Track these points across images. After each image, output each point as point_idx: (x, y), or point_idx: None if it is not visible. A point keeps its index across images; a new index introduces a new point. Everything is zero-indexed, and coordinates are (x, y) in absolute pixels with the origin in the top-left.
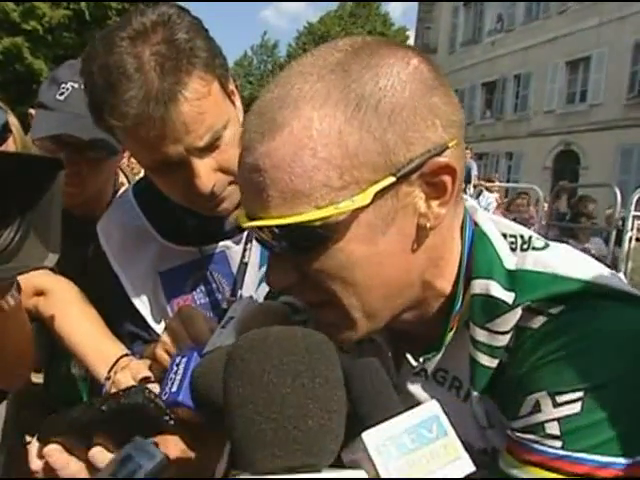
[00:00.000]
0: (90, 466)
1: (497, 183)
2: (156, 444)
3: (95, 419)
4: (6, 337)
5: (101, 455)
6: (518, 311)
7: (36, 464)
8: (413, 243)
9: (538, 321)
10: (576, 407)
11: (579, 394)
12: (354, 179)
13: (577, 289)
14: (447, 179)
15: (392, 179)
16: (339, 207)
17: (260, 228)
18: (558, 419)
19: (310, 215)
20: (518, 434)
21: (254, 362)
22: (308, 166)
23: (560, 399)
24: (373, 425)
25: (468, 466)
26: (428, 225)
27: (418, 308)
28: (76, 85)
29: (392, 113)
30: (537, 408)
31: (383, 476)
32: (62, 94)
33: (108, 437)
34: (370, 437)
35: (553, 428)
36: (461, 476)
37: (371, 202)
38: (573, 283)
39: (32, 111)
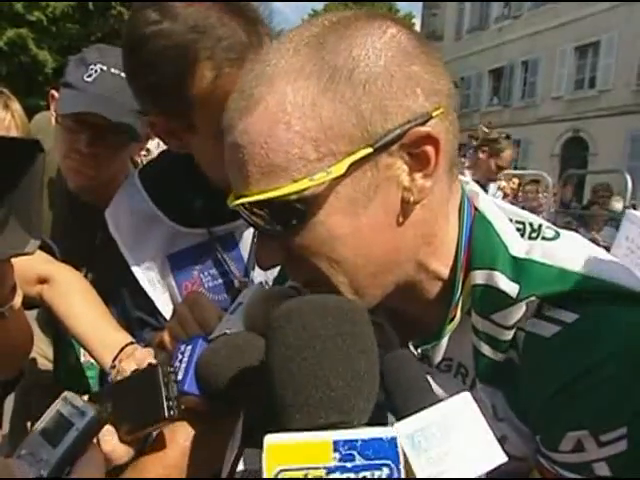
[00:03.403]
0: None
1: (511, 171)
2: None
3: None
4: (9, 337)
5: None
6: (522, 306)
7: None
8: (398, 217)
9: (549, 329)
10: (621, 444)
11: (622, 431)
12: (330, 151)
13: (587, 288)
14: (429, 149)
15: (369, 150)
16: (314, 179)
17: (245, 207)
18: (605, 459)
19: (287, 189)
20: (564, 472)
21: (290, 329)
22: (283, 140)
23: (604, 438)
24: (406, 416)
25: (500, 457)
26: (412, 199)
27: (414, 290)
28: (105, 67)
29: (367, 82)
30: (580, 447)
31: (415, 467)
32: (90, 75)
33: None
34: (403, 428)
35: (602, 469)
36: (493, 466)
37: (348, 173)
38: (583, 281)
39: (54, 92)
